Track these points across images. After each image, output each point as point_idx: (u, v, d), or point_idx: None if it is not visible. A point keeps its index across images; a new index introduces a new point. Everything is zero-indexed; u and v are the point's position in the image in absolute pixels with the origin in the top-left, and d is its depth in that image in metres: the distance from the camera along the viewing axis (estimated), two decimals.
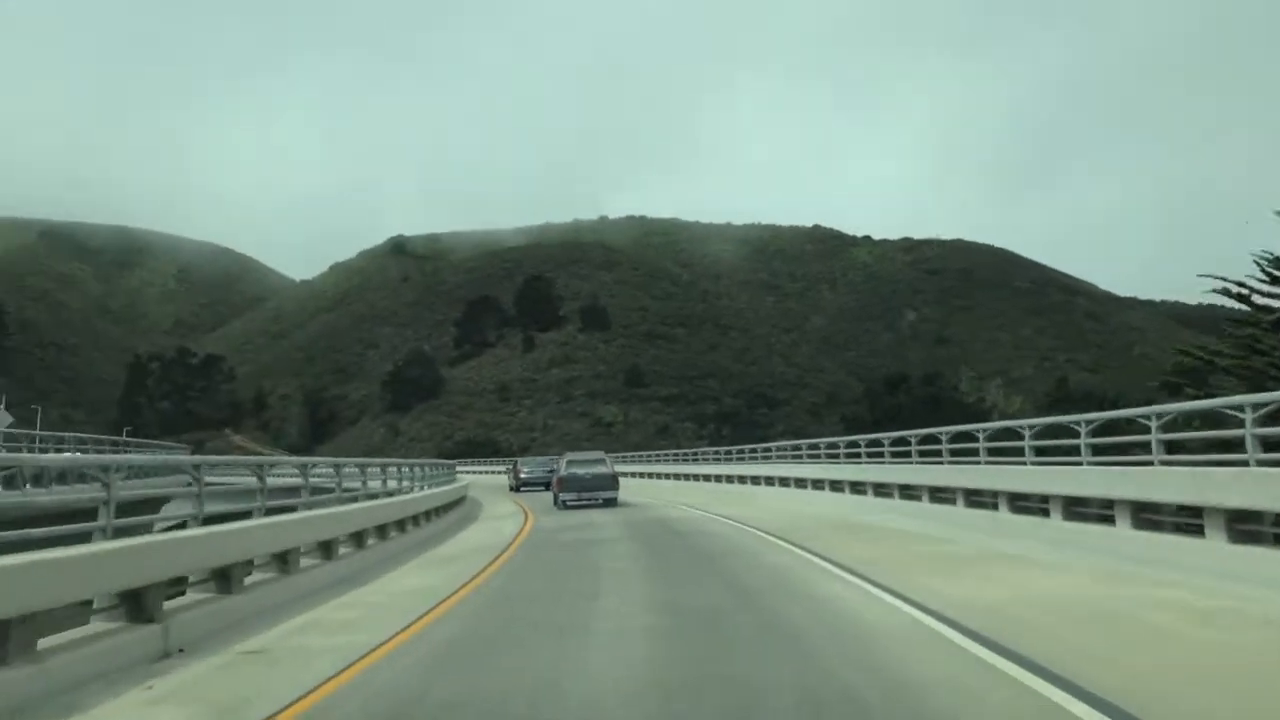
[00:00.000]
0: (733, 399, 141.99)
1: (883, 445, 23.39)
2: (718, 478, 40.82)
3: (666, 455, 56.95)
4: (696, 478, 44.28)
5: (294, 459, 20.65)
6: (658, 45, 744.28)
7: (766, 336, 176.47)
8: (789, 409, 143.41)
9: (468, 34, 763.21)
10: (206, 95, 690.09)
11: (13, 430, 48.68)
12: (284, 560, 12.41)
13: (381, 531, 17.75)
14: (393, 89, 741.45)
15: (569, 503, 29.89)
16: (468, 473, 58.54)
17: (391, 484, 23.01)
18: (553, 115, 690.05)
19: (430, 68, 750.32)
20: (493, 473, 65.77)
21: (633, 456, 66.70)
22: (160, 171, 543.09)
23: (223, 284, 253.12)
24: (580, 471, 31.06)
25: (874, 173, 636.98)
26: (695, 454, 50.94)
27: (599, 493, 30.09)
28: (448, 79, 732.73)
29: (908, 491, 21.04)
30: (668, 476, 49.45)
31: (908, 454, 21.83)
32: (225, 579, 10.53)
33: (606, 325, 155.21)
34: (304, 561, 13.62)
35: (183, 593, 10.34)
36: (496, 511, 31.02)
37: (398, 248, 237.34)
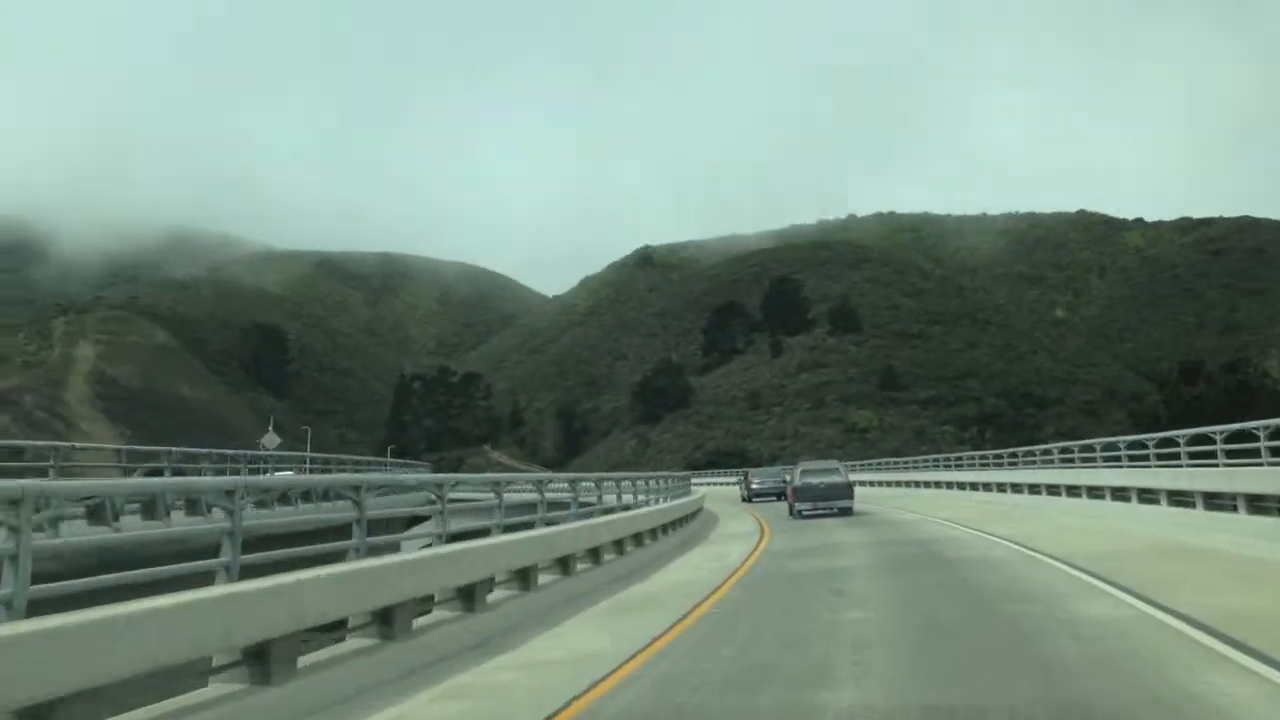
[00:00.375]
0: (995, 399, 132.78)
1: (1214, 442, 18.01)
2: (985, 485, 35.49)
3: (924, 461, 51.42)
4: (960, 486, 39.12)
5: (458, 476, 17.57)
6: (898, 33, 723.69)
7: (1030, 331, 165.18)
8: (1060, 408, 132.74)
9: (706, 37, 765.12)
10: (457, 121, 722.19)
11: (279, 451, 49.35)
12: (386, 620, 8.90)
13: (564, 565, 14.20)
14: (636, 99, 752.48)
15: (804, 512, 29.61)
16: (710, 484, 55.56)
17: (588, 499, 19.54)
18: (795, 115, 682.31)
19: (672, 76, 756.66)
20: (734, 484, 62.00)
21: (888, 463, 61.55)
22: (420, 199, 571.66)
23: (480, 303, 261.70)
24: (815, 481, 30.57)
25: (1143, 150, 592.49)
26: (957, 459, 45.37)
27: (834, 502, 29.56)
28: (689, 86, 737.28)
29: (1257, 504, 15.72)
30: (927, 485, 44.37)
31: (1253, 453, 16.49)
32: (261, 661, 7.08)
33: (857, 326, 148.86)
34: (435, 614, 10.20)
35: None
36: (730, 529, 27.35)
37: (644, 258, 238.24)
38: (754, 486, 47.33)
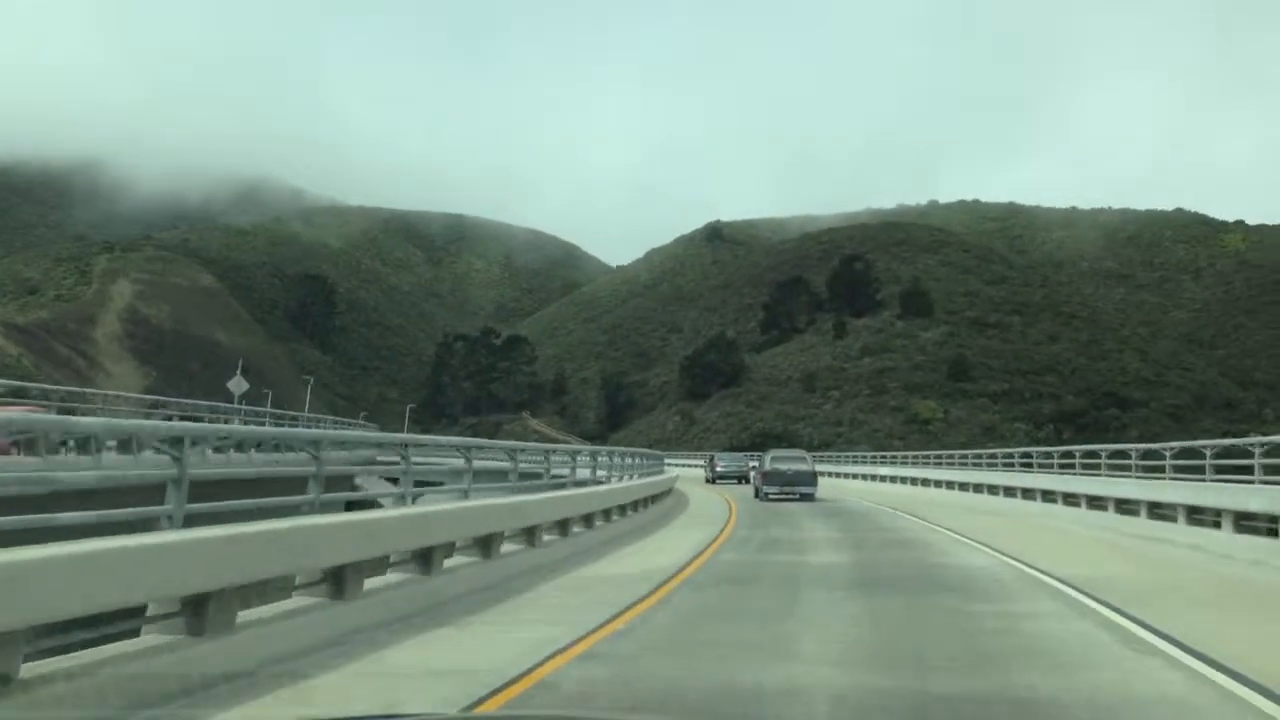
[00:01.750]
0: (1075, 397, 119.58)
1: None
2: (1065, 496, 24.30)
3: (989, 459, 39.36)
4: (1017, 493, 28.14)
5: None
6: (993, 15, 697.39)
7: (1118, 329, 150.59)
8: (1145, 411, 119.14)
9: (796, 8, 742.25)
10: (533, 85, 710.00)
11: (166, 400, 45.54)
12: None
13: None
14: (720, 73, 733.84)
15: (770, 495, 31.24)
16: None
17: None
18: (880, 97, 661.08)
19: (760, 49, 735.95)
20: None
21: (942, 458, 49.72)
22: (497, 164, 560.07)
23: (545, 271, 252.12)
24: (783, 467, 32.20)
25: (1249, 149, 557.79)
26: (1022, 457, 33.80)
27: (798, 487, 31.30)
28: (773, 60, 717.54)
29: None
30: (983, 489, 32.97)
31: None
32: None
33: (928, 311, 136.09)
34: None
35: None
36: (662, 539, 17.42)
37: (714, 233, 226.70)
38: (718, 469, 50.06)
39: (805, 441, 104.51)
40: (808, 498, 30.79)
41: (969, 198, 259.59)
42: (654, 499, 23.89)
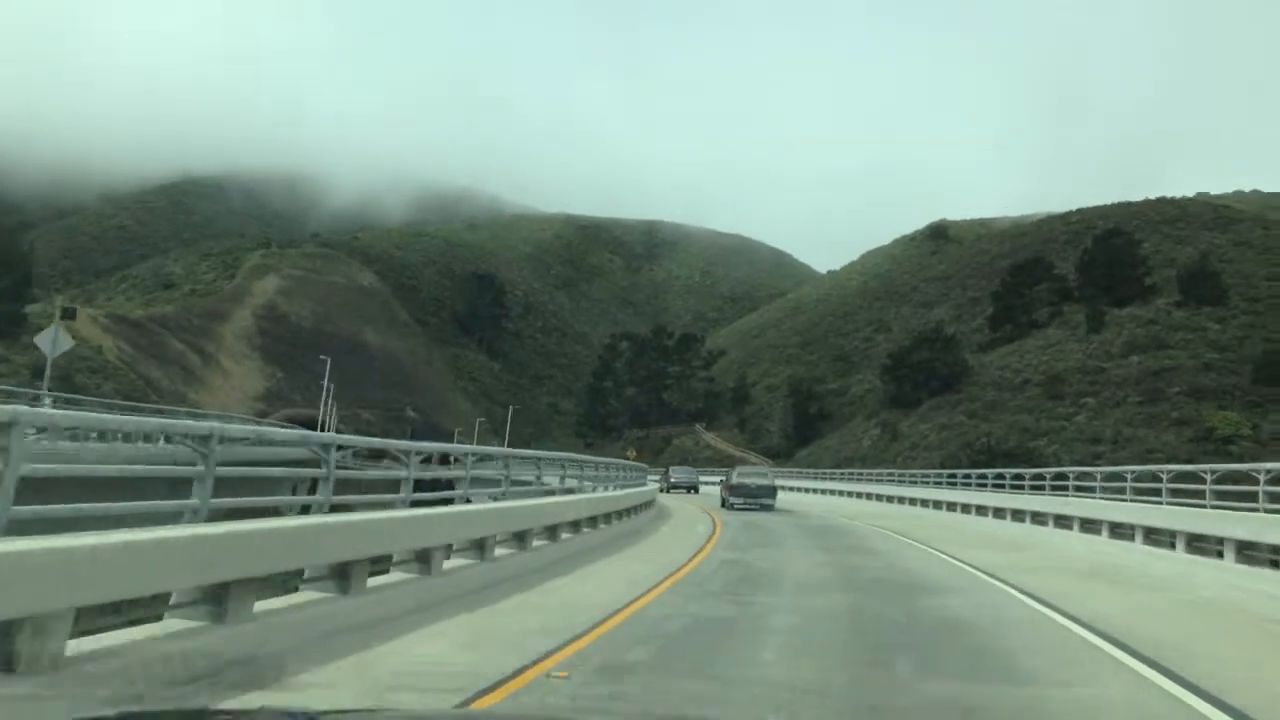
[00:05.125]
0: None
1: None
2: None
3: None
4: None
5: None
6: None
7: None
8: None
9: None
10: (740, 89, 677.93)
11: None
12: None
13: None
14: (935, 68, 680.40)
15: (736, 505, 34.14)
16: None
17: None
18: (1132, 82, 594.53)
19: (982, 34, 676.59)
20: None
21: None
22: (706, 172, 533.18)
23: (751, 279, 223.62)
24: (748, 481, 36.11)
25: None
26: None
27: (760, 499, 34.48)
28: (999, 49, 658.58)
29: None
30: None
31: None
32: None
33: (1221, 297, 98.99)
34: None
35: None
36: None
37: (938, 232, 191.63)
38: (672, 480, 53.19)
39: (1051, 462, 71.99)
40: (767, 508, 33.51)
41: (1246, 188, 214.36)
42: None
